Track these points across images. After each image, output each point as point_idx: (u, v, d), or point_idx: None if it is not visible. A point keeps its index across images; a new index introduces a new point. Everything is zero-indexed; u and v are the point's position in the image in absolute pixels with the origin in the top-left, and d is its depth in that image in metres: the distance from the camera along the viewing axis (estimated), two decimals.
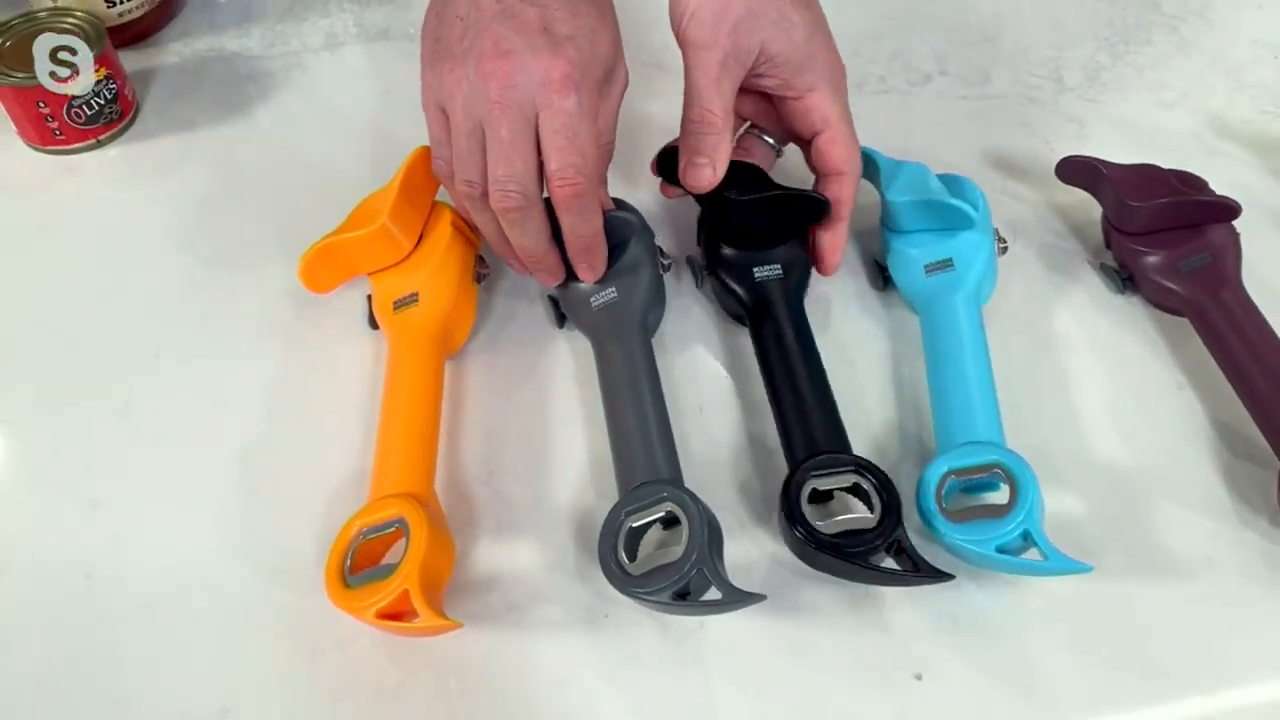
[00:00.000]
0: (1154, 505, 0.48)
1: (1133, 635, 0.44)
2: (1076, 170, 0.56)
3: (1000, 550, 0.43)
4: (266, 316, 0.55)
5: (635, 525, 0.43)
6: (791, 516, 0.43)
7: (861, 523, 0.44)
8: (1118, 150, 0.64)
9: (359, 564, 0.42)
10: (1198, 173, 0.62)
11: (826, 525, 0.44)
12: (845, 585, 0.44)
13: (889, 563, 0.44)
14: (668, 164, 0.52)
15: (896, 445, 0.50)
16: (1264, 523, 0.47)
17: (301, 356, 0.53)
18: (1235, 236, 0.53)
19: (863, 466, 0.44)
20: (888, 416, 0.52)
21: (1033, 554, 0.43)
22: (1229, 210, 0.52)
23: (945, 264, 0.53)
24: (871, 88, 0.69)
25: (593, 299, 0.51)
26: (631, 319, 0.50)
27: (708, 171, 0.49)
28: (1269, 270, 0.58)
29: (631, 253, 0.51)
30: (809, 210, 0.53)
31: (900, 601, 0.44)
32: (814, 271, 0.55)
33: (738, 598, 0.40)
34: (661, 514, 0.42)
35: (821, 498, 0.46)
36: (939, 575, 0.42)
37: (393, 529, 0.42)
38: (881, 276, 0.56)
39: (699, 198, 0.52)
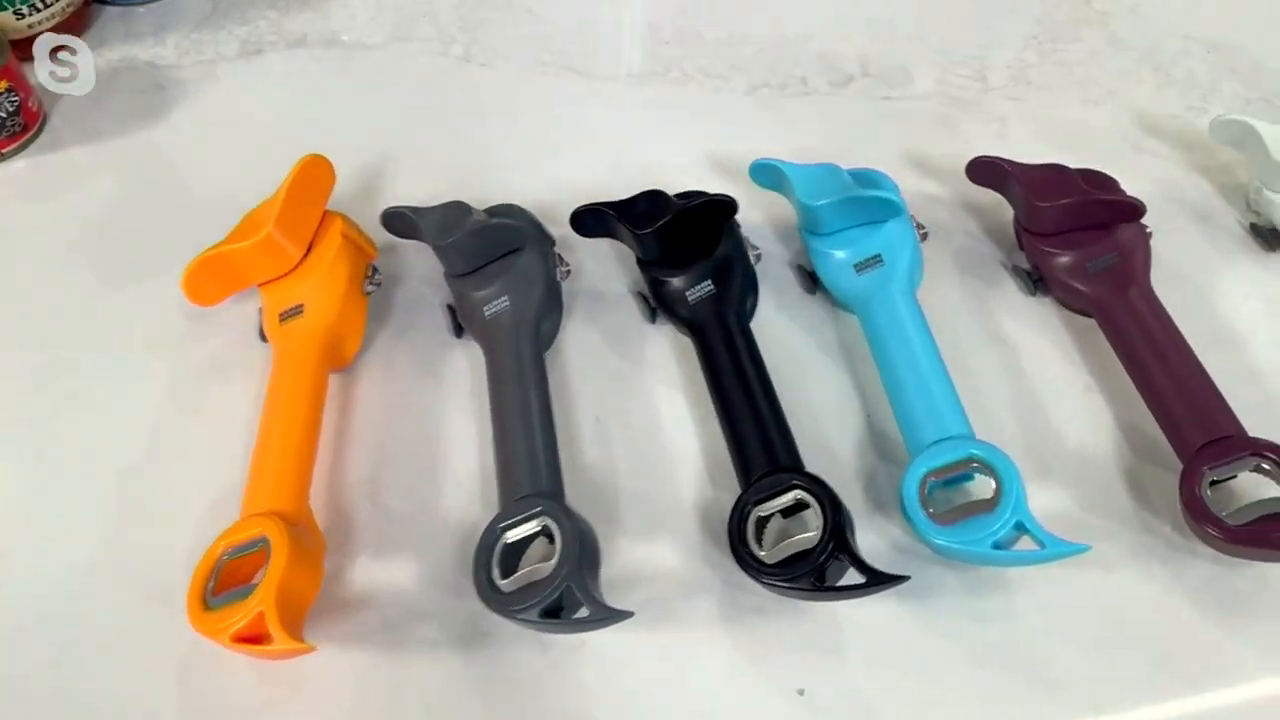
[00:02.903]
0: (1057, 510, 0.47)
1: (1029, 647, 0.43)
2: (984, 171, 0.55)
3: (996, 545, 0.42)
4: (160, 330, 0.54)
5: (511, 541, 0.42)
6: (737, 554, 0.42)
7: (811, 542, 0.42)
8: (1040, 149, 0.63)
9: (228, 583, 0.41)
10: (1122, 170, 0.61)
11: (776, 551, 0.43)
12: (725, 600, 0.43)
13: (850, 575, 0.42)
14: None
15: (862, 450, 0.49)
16: (1167, 528, 0.46)
17: (192, 370, 0.52)
18: (1144, 236, 0.52)
19: (804, 483, 0.43)
20: (849, 422, 0.50)
21: (1025, 543, 0.42)
22: (1133, 210, 0.51)
23: (874, 260, 0.52)
24: (793, 90, 0.68)
25: (485, 307, 0.49)
26: (524, 328, 0.49)
27: None
28: (1190, 267, 0.57)
29: (524, 260, 0.50)
30: (718, 214, 0.52)
31: (785, 616, 0.43)
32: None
33: (606, 615, 0.39)
34: (538, 529, 0.41)
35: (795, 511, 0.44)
36: (892, 579, 0.41)
37: (257, 548, 0.41)
38: (811, 280, 0.55)
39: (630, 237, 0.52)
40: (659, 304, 0.52)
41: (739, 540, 0.42)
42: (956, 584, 0.44)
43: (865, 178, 0.55)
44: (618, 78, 0.68)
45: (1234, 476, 0.45)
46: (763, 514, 0.43)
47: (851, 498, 0.47)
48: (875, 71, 0.69)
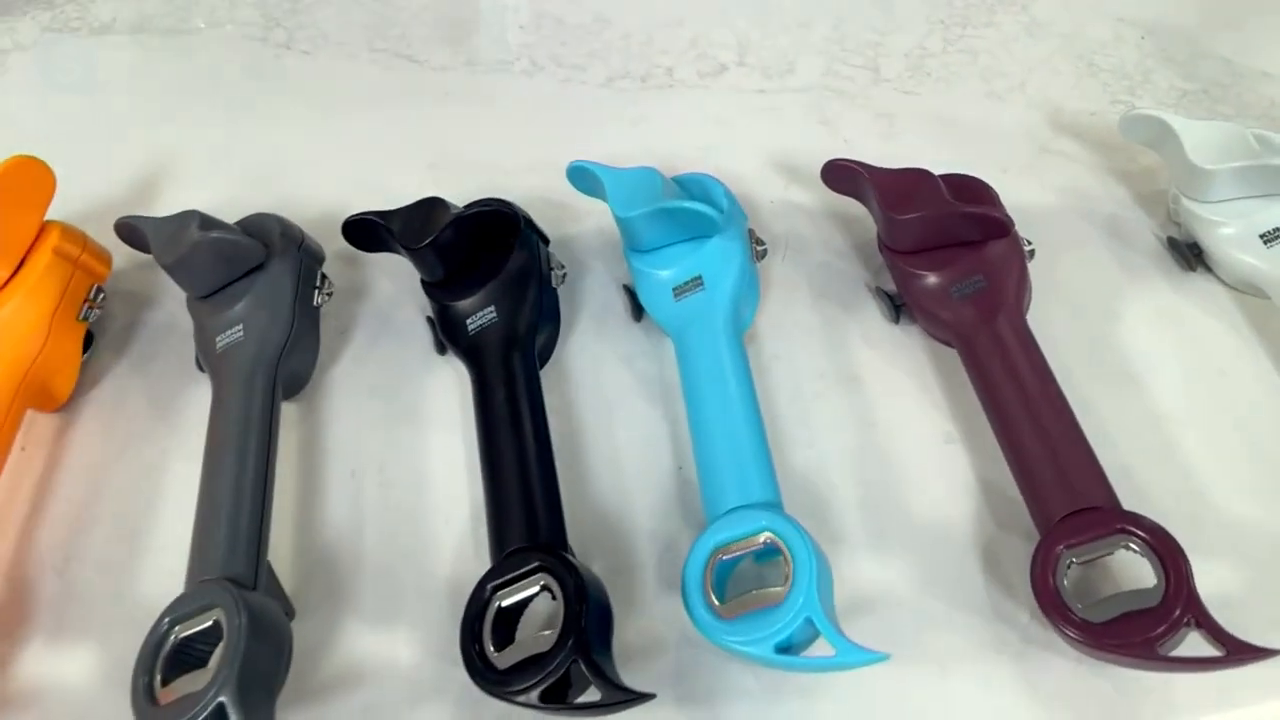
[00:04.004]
0: (892, 591, 0.38)
1: None
2: (841, 176, 0.46)
3: (783, 648, 0.33)
4: None
5: (183, 636, 0.34)
6: (465, 654, 0.34)
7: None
8: (929, 150, 0.55)
9: None
10: (1024, 175, 0.53)
11: (516, 649, 0.34)
12: (464, 708, 0.35)
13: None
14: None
15: (665, 511, 0.41)
16: (1024, 616, 0.37)
17: None
18: (1019, 255, 0.43)
19: (551, 566, 0.34)
20: (656, 475, 0.42)
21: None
22: (999, 226, 0.42)
23: (695, 283, 0.44)
24: (656, 81, 0.60)
25: (218, 338, 0.41)
26: (260, 363, 0.41)
27: None
28: (1094, 289, 0.48)
29: (265, 282, 0.42)
30: (502, 225, 0.44)
31: None
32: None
33: None
34: (208, 624, 0.33)
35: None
36: (634, 698, 0.32)
37: None
38: (635, 305, 0.47)
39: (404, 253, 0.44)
40: (443, 332, 0.44)
41: (470, 636, 0.34)
42: (756, 687, 0.36)
43: (696, 185, 0.46)
44: (456, 67, 0.60)
45: (1109, 553, 0.37)
46: (505, 603, 0.35)
47: (639, 572, 0.39)
48: (753, 60, 0.61)
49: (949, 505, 0.41)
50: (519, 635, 0.35)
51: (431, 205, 0.43)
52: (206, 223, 0.41)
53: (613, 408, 0.44)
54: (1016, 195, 0.51)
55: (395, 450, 0.42)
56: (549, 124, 0.57)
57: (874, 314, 0.47)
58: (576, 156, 0.51)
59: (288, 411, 0.43)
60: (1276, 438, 0.42)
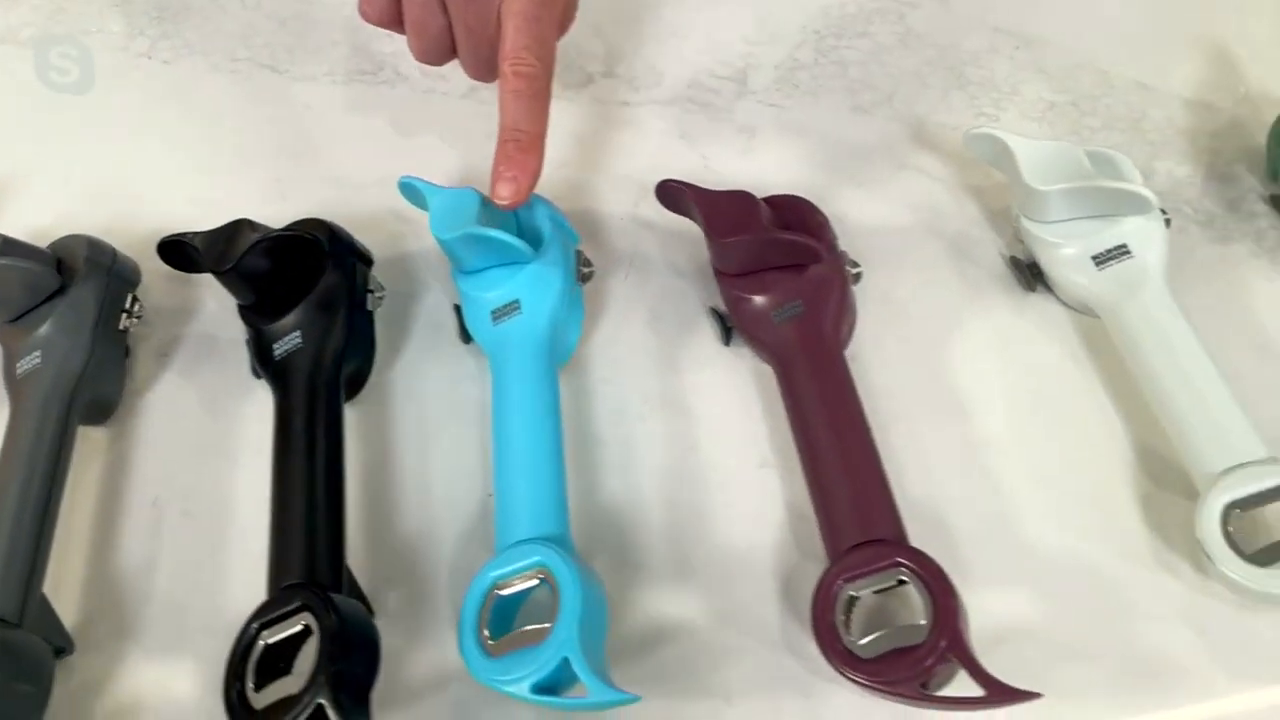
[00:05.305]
0: (688, 622, 0.38)
1: None
2: (672, 197, 0.46)
3: (545, 688, 0.33)
4: None
5: None
6: (226, 695, 0.33)
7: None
8: (783, 166, 0.54)
9: None
10: (878, 191, 0.53)
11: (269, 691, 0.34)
12: None
13: None
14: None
15: (468, 542, 0.40)
16: (812, 648, 0.36)
17: None
18: (839, 281, 0.43)
19: (313, 603, 0.34)
20: (466, 505, 0.41)
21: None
22: (810, 252, 0.42)
23: (512, 307, 0.43)
24: None
25: (18, 364, 0.41)
26: (54, 393, 0.40)
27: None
28: (929, 311, 0.47)
29: (64, 309, 0.41)
30: (306, 251, 0.43)
31: None
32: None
33: None
34: None
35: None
36: None
37: None
38: (462, 327, 0.46)
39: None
40: (255, 357, 0.44)
41: (232, 674, 0.33)
42: None
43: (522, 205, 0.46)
44: (318, 78, 0.59)
45: (888, 587, 0.36)
46: (271, 640, 0.34)
47: (435, 603, 0.39)
48: (621, 71, 0.60)
49: (755, 532, 0.40)
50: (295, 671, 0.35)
51: (237, 227, 0.42)
52: (5, 247, 0.40)
53: (431, 432, 0.44)
54: (870, 212, 0.51)
55: (202, 479, 0.42)
56: (406, 136, 0.56)
57: (709, 336, 0.47)
58: (433, 171, 0.50)
59: (96, 437, 0.43)
60: (1093, 463, 0.42)
